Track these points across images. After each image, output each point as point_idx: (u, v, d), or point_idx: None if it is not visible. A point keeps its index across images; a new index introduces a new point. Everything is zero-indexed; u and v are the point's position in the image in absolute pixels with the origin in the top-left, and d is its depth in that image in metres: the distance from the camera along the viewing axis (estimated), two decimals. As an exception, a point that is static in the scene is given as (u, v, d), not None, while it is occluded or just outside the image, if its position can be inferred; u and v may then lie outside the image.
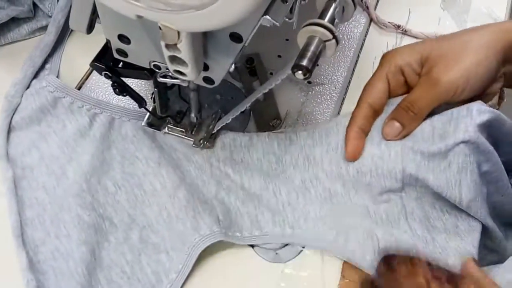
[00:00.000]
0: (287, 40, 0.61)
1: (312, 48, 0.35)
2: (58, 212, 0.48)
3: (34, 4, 0.61)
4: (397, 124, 0.44)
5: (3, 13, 0.58)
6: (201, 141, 0.52)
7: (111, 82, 0.47)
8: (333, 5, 0.37)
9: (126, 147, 0.52)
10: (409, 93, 0.45)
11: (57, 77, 0.58)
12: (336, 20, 0.36)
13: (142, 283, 0.45)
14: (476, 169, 0.42)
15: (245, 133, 0.53)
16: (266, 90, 0.46)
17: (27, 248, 0.46)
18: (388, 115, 0.46)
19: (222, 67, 0.41)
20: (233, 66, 0.40)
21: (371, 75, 0.47)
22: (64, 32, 0.61)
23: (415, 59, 0.45)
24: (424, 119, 0.45)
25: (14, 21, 0.60)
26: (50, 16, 0.60)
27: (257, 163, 0.51)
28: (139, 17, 0.33)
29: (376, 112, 0.46)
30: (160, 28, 0.35)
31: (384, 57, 0.47)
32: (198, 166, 0.51)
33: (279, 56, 0.61)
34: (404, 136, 0.44)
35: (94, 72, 0.56)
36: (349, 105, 0.57)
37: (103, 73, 0.46)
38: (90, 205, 0.48)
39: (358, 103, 0.47)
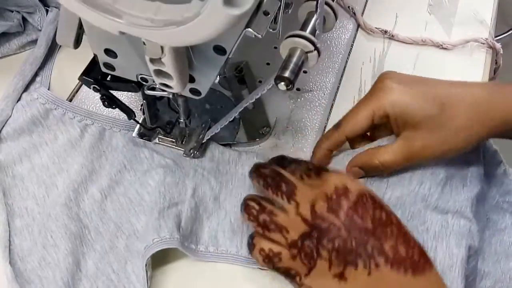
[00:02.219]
0: (275, 48, 0.61)
1: (294, 59, 0.36)
2: (45, 221, 0.48)
3: (24, 19, 0.61)
4: (361, 172, 0.48)
5: (-7, 28, 0.58)
6: (191, 151, 0.53)
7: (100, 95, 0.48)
8: (314, 16, 0.37)
9: (116, 157, 0.53)
10: (385, 149, 0.46)
11: (48, 89, 0.58)
12: (317, 31, 0.37)
13: None
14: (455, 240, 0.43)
15: (235, 149, 0.54)
16: (254, 99, 0.46)
17: (15, 257, 0.47)
18: (356, 159, 0.48)
19: (207, 78, 0.41)
20: (218, 77, 0.41)
21: (359, 101, 0.49)
22: (55, 45, 0.62)
23: (401, 114, 0.45)
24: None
25: (4, 36, 0.61)
26: (40, 30, 0.61)
27: (241, 178, 0.51)
28: (122, 33, 0.33)
29: (346, 139, 0.49)
30: (144, 43, 0.35)
31: (375, 93, 0.47)
32: (184, 171, 0.52)
33: (268, 64, 0.61)
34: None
35: (84, 84, 0.57)
36: (338, 111, 0.58)
37: (92, 86, 0.47)
38: (75, 215, 0.49)
39: (337, 128, 0.49)
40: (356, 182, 0.42)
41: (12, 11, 0.60)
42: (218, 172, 0.52)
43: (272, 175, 0.43)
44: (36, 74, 0.59)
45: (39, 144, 0.54)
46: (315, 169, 0.43)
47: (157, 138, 0.54)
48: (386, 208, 0.40)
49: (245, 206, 0.43)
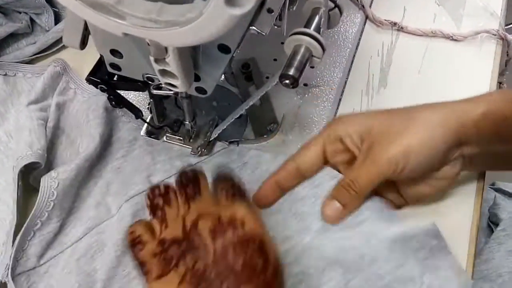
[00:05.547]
0: (282, 43, 0.61)
1: (298, 57, 0.35)
2: None
3: (32, 20, 0.62)
4: (337, 205, 0.43)
5: (1, 29, 0.59)
6: (199, 148, 0.53)
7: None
8: (319, 13, 0.37)
9: (21, 101, 0.56)
10: (349, 170, 0.44)
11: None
12: (322, 29, 0.36)
13: None
14: None
15: (243, 146, 0.54)
16: (261, 96, 0.46)
17: None
18: (328, 194, 0.44)
19: (212, 77, 0.41)
20: (223, 75, 0.41)
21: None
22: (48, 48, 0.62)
23: (356, 131, 0.44)
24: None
25: (13, 37, 0.61)
26: (48, 30, 0.62)
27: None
28: (126, 34, 0.33)
29: (301, 174, 0.45)
30: (148, 44, 0.35)
31: (328, 125, 0.46)
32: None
33: (275, 59, 0.61)
34: (345, 217, 0.43)
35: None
36: (346, 106, 0.58)
37: (99, 86, 0.47)
38: None
39: (285, 162, 0.46)
40: (259, 225, 0.38)
41: (20, 13, 0.61)
42: None
43: (190, 175, 0.41)
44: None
45: None
46: (237, 192, 0.41)
47: (165, 136, 0.54)
48: (270, 262, 0.37)
49: (155, 186, 0.41)
